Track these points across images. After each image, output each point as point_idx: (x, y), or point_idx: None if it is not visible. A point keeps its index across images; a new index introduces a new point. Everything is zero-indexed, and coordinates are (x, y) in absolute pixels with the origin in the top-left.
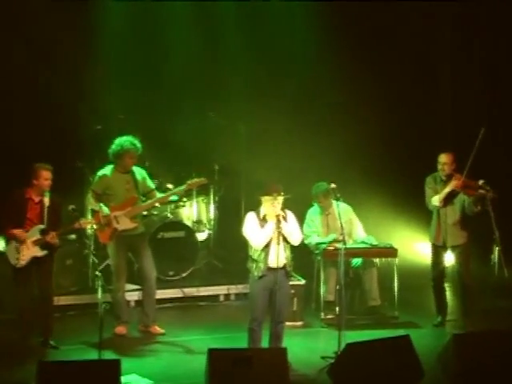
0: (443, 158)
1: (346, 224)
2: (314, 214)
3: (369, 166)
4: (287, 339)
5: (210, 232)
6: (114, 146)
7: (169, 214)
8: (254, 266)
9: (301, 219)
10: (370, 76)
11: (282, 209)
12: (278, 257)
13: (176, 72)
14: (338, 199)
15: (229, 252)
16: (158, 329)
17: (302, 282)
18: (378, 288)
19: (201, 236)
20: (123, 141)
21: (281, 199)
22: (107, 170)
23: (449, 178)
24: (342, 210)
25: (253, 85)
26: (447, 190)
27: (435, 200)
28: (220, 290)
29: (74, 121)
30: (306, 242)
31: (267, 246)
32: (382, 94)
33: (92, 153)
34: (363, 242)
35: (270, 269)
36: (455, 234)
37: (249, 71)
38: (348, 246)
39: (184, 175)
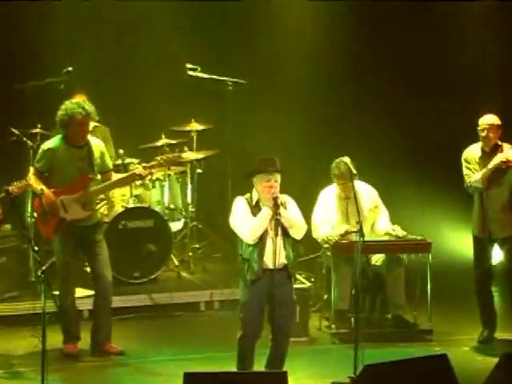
0: (486, 122)
1: (370, 213)
2: (329, 196)
3: (397, 142)
4: (288, 360)
5: (187, 221)
6: (60, 112)
7: (132, 198)
8: (246, 266)
9: (306, 209)
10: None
11: (281, 192)
12: (277, 254)
13: (143, 9)
14: (352, 177)
15: (212, 247)
16: (113, 347)
17: (307, 285)
18: (406, 293)
19: (175, 226)
20: (70, 104)
21: (279, 177)
22: (54, 141)
23: (493, 150)
24: (366, 194)
25: (246, 33)
26: (491, 166)
27: (476, 180)
28: (200, 297)
29: (7, 72)
30: (314, 234)
31: (262, 240)
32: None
33: (33, 117)
34: (388, 234)
35: (265, 270)
36: (504, 223)
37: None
38: (367, 239)
39: (153, 149)
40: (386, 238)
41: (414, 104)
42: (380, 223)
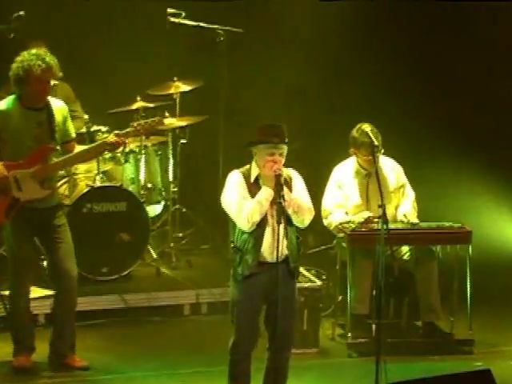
0: None
1: (395, 193)
2: (345, 174)
3: (432, 113)
4: (293, 376)
5: (168, 204)
6: (14, 65)
7: (100, 175)
8: (238, 258)
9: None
10: None
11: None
12: (278, 245)
13: None
14: (375, 149)
15: (199, 237)
16: (78, 360)
17: (317, 283)
18: (440, 294)
19: (153, 210)
20: (27, 55)
21: (285, 150)
22: (6, 103)
23: None
24: (390, 171)
25: None
26: None
27: None
28: (184, 298)
29: None
30: (325, 221)
31: (260, 226)
32: None
33: None
34: (400, 222)
35: (263, 264)
36: None
37: None
38: (392, 227)
39: (126, 114)
40: (400, 226)
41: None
42: (401, 207)
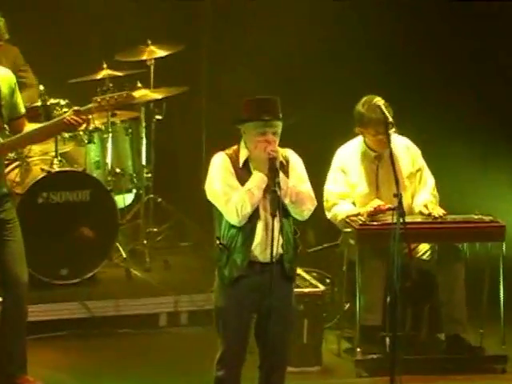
0: None
1: (411, 179)
2: (349, 157)
3: (457, 96)
4: None
5: (141, 192)
6: None
7: (59, 158)
8: (225, 258)
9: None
10: None
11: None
12: (272, 242)
13: None
14: (388, 127)
15: (177, 232)
16: (30, 380)
17: (319, 288)
18: (467, 301)
19: (123, 199)
20: None
21: (279, 128)
22: None
23: None
24: (405, 153)
25: None
26: None
27: None
28: (160, 306)
29: None
30: (328, 214)
31: (251, 220)
32: None
33: None
34: (421, 215)
35: (253, 264)
36: None
37: None
38: (409, 221)
39: (89, 84)
40: (419, 219)
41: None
42: (419, 196)
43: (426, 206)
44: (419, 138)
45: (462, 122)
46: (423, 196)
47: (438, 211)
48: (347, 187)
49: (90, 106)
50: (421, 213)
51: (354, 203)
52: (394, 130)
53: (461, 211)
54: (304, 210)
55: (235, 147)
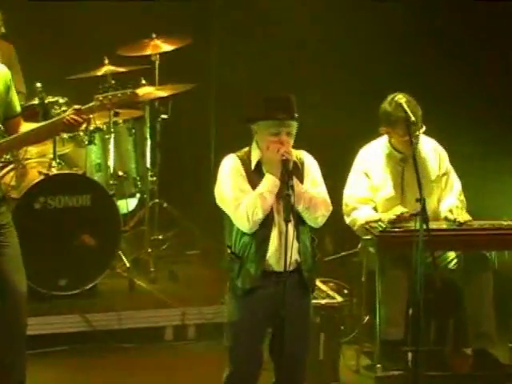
0: None
1: (437, 183)
2: (373, 158)
3: (487, 95)
4: None
5: (145, 197)
6: None
7: (57, 161)
8: (237, 268)
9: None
10: None
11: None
12: (286, 249)
13: None
14: (411, 127)
15: (184, 240)
16: None
17: (337, 300)
18: (496, 313)
19: (126, 204)
20: None
21: (294, 128)
22: None
23: None
24: (431, 154)
25: None
26: None
27: None
28: (166, 319)
29: None
30: (347, 219)
31: (265, 226)
32: None
33: None
34: (447, 221)
35: (268, 274)
36: None
37: None
38: (434, 228)
39: (90, 81)
40: (444, 225)
41: None
42: (445, 200)
43: (451, 211)
44: (444, 139)
45: (491, 123)
46: (449, 201)
47: (464, 217)
48: (369, 191)
49: (91, 104)
50: (446, 218)
51: (375, 209)
52: (423, 130)
53: (489, 216)
54: (318, 217)
55: (246, 149)
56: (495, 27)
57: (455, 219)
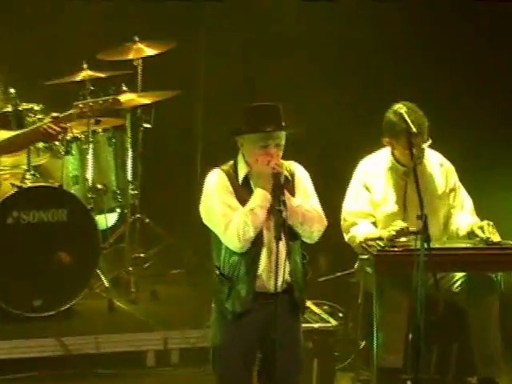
0: None
1: (443, 199)
2: (374, 171)
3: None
4: None
5: (126, 211)
6: None
7: (31, 172)
8: (227, 290)
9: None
10: None
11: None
12: (278, 270)
13: None
14: (413, 138)
15: (167, 257)
16: None
17: (331, 323)
18: (503, 339)
19: (105, 220)
20: None
21: (283, 139)
22: None
23: None
24: (437, 168)
25: None
26: None
27: None
28: (147, 343)
29: None
30: (346, 236)
31: (255, 244)
32: None
33: None
34: (471, 235)
35: (259, 296)
36: None
37: None
38: (436, 247)
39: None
40: (466, 244)
41: None
42: (463, 219)
43: (481, 228)
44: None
45: (498, 139)
46: (468, 219)
47: (496, 236)
48: (369, 205)
49: (70, 112)
50: (472, 234)
51: (375, 224)
52: (429, 143)
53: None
54: (313, 231)
55: (231, 162)
56: (495, 27)
57: (488, 238)
